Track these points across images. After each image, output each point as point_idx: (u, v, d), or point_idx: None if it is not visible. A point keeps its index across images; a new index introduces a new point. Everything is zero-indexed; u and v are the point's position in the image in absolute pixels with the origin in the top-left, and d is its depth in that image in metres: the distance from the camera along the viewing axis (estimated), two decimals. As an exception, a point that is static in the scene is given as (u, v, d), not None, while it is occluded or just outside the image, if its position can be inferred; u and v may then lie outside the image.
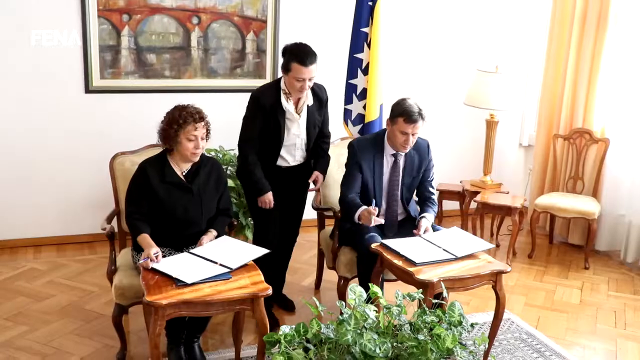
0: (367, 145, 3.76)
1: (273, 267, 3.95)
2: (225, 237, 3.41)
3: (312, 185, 4.01)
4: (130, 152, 3.79)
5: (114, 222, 3.66)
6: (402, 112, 3.56)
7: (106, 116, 4.88)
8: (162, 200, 3.26)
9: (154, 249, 3.10)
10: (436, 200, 3.90)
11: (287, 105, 3.69)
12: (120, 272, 3.41)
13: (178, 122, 3.22)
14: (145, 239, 3.19)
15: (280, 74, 5.04)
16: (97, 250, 4.92)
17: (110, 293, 3.59)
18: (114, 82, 4.84)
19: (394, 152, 3.72)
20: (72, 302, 4.11)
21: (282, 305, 4.10)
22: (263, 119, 3.68)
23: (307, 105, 3.77)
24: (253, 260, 3.24)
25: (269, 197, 3.76)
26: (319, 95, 3.84)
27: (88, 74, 4.74)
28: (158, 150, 3.77)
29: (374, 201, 3.67)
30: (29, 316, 3.91)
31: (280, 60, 5.04)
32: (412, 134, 3.60)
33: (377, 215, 3.54)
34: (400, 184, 3.79)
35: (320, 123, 3.88)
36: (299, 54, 3.56)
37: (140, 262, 3.08)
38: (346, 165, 3.81)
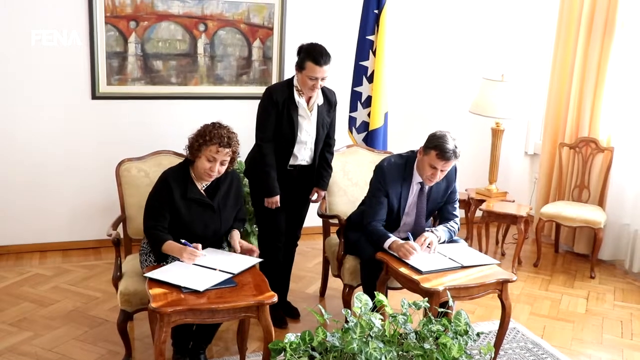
0: (396, 170, 3.64)
1: (277, 272, 3.96)
2: (212, 249, 3.33)
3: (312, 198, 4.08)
4: (137, 159, 3.78)
5: (120, 229, 3.65)
6: (437, 146, 3.44)
7: (112, 122, 4.90)
8: (182, 217, 3.23)
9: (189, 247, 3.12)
10: (458, 222, 3.77)
11: (300, 100, 3.74)
12: (125, 279, 3.40)
13: (204, 137, 3.18)
14: (172, 244, 3.16)
15: (286, 78, 5.12)
16: (103, 256, 4.93)
17: (115, 299, 3.59)
18: (120, 88, 4.86)
19: (421, 180, 3.65)
20: (77, 308, 4.10)
21: (287, 313, 4.10)
22: (276, 114, 3.72)
23: (317, 105, 3.81)
24: (258, 267, 3.24)
25: (276, 199, 3.82)
26: (329, 97, 3.89)
27: (95, 80, 4.76)
28: (164, 157, 3.80)
29: (409, 235, 3.58)
30: (34, 322, 3.91)
31: (286, 68, 5.16)
32: (441, 170, 3.51)
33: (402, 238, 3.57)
34: (425, 211, 3.72)
35: (328, 125, 3.92)
36: (314, 53, 3.62)
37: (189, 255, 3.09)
38: (372, 185, 3.71)
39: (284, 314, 4.07)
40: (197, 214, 3.26)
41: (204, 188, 3.31)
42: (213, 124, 3.25)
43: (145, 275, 3.06)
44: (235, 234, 3.41)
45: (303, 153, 3.85)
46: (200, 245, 3.15)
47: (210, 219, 3.30)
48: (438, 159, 3.45)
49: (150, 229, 3.23)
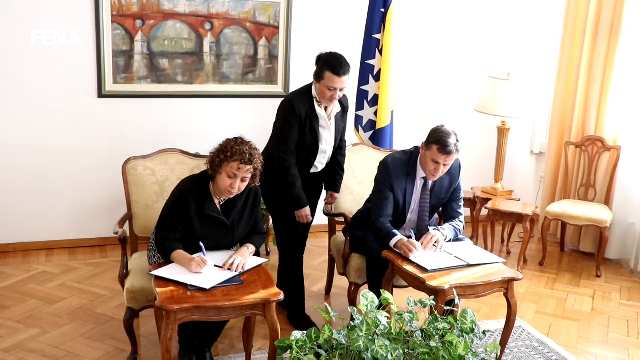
0: (401, 166, 3.64)
1: (301, 272, 3.97)
2: (221, 251, 3.32)
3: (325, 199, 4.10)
4: (143, 157, 3.79)
5: (126, 226, 3.66)
6: (438, 141, 3.43)
7: (119, 121, 4.91)
8: (195, 232, 3.20)
9: (196, 257, 3.09)
10: (463, 220, 3.76)
11: (321, 111, 3.69)
12: (132, 276, 3.42)
13: (226, 153, 3.09)
14: (180, 254, 3.13)
15: (292, 80, 5.12)
16: (108, 254, 4.95)
17: (121, 296, 3.61)
18: (126, 86, 4.87)
19: (425, 175, 3.64)
20: (83, 306, 4.12)
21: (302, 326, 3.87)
22: (298, 126, 3.65)
23: (334, 113, 3.80)
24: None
25: (307, 211, 3.76)
26: (343, 103, 3.86)
27: (101, 78, 4.78)
28: (170, 155, 3.81)
29: (412, 232, 3.59)
30: (41, 319, 3.92)
31: (292, 67, 5.16)
32: (444, 165, 3.49)
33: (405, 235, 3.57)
34: (428, 207, 3.72)
35: (343, 129, 3.92)
36: (334, 64, 3.55)
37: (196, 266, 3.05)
38: (377, 181, 3.71)
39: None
40: (211, 232, 3.22)
41: (221, 203, 3.26)
42: (235, 139, 3.16)
43: (152, 273, 3.07)
44: (245, 250, 3.26)
45: (322, 161, 3.86)
46: (210, 262, 3.10)
47: (222, 237, 3.27)
48: (440, 153, 3.45)
49: (161, 238, 3.20)
